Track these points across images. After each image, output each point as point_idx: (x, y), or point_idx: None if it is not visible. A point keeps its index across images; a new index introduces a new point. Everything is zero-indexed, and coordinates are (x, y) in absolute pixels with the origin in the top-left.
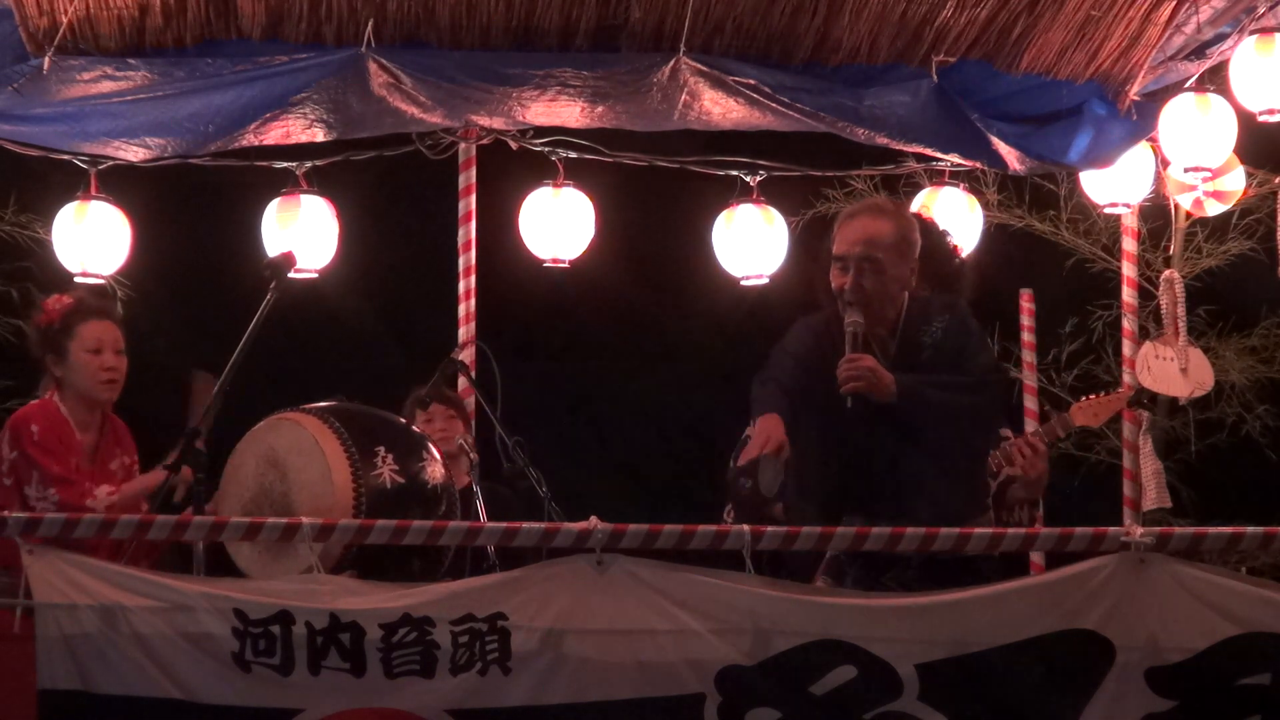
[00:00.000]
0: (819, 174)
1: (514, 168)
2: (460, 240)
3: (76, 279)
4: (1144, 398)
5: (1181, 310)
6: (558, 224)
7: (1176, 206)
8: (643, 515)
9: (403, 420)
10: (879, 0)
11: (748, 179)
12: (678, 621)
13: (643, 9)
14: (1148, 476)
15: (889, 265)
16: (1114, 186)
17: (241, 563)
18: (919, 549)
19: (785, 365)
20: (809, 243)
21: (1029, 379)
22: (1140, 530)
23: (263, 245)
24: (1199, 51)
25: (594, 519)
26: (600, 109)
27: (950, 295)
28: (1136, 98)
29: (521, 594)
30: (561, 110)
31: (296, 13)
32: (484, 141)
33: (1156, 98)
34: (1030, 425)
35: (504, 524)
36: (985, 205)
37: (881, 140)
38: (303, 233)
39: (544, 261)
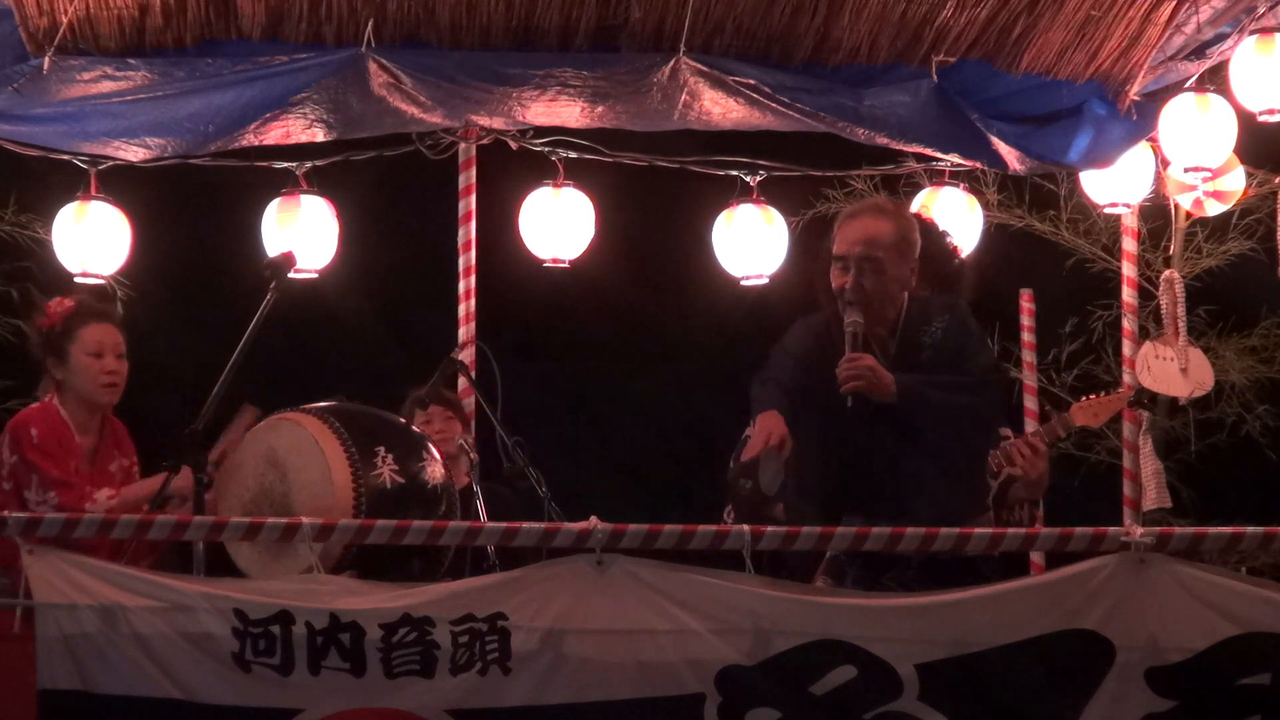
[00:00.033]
0: (819, 174)
1: (514, 168)
2: (460, 240)
3: (76, 279)
4: (1144, 398)
5: (1181, 310)
6: (558, 224)
7: (1176, 206)
8: (643, 515)
9: (403, 420)
10: (879, 0)
11: (748, 179)
12: (678, 621)
13: (643, 9)
14: (1148, 476)
15: (889, 265)
16: (1114, 186)
17: (241, 563)
18: (919, 549)
19: (785, 365)
20: (809, 243)
21: (1029, 379)
22: (1140, 530)
23: (263, 245)
24: (1199, 51)
25: (594, 519)
26: (600, 109)
27: (950, 295)
28: (1136, 98)
29: (521, 594)
30: (561, 110)
31: (296, 13)
32: (484, 141)
33: (1156, 98)
34: (1030, 425)
35: (504, 524)
36: (985, 205)
37: (881, 140)
38: (303, 233)
39: (544, 261)
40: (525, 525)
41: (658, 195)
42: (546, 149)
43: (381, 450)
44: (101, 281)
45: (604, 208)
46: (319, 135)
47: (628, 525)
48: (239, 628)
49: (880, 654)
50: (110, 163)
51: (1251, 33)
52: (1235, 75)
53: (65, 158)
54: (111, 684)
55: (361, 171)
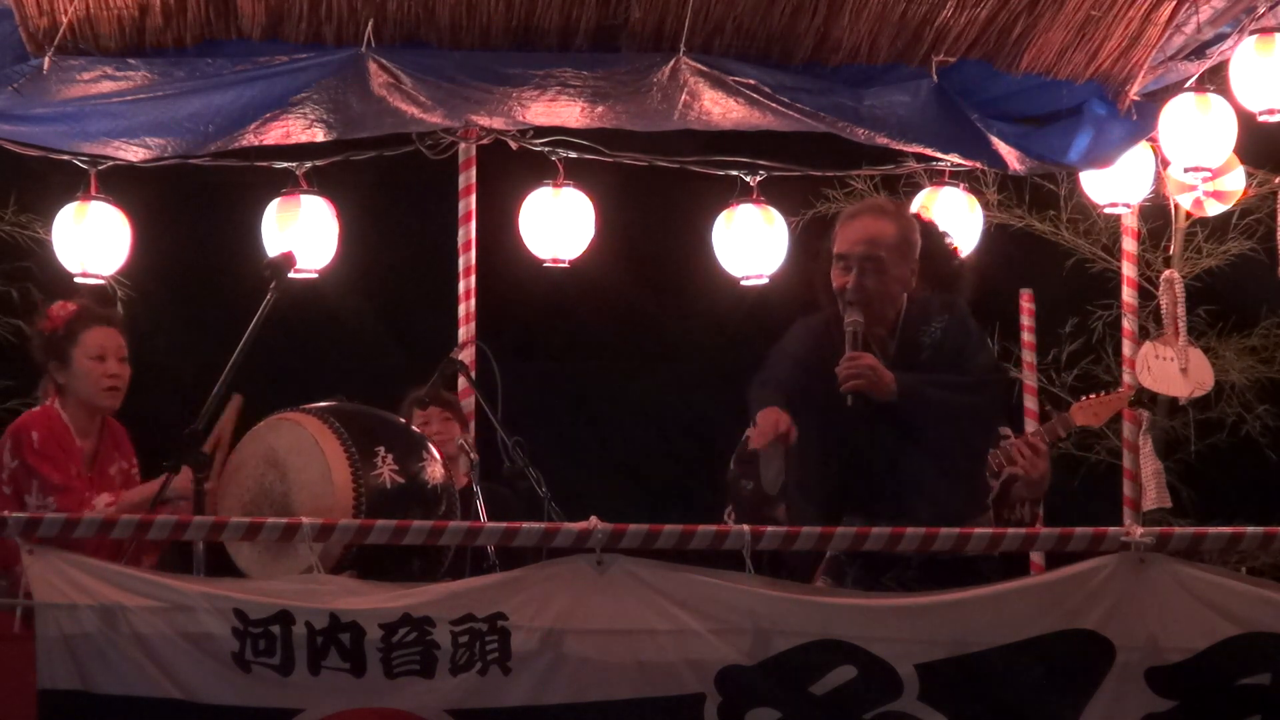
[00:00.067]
0: (819, 174)
1: (514, 168)
2: (460, 240)
3: (76, 279)
4: (1144, 397)
5: (1181, 310)
6: (558, 224)
7: (1176, 206)
8: (643, 515)
9: (402, 420)
10: (879, 0)
11: (748, 179)
12: (678, 621)
13: (643, 9)
14: (1148, 476)
15: (891, 265)
16: (1114, 186)
17: (241, 563)
18: (919, 549)
19: (783, 367)
20: (809, 243)
21: (1029, 379)
22: (1140, 530)
23: (263, 245)
24: (1199, 51)
25: (594, 519)
26: (600, 109)
27: (949, 295)
28: (1136, 98)
29: (521, 594)
30: (561, 110)
31: (296, 13)
32: (484, 141)
33: (1156, 98)
34: (1030, 425)
35: (504, 524)
36: (985, 205)
37: (881, 140)
38: (303, 233)
39: (544, 261)
40: (525, 525)
41: (658, 195)
42: (546, 149)
43: (381, 450)
44: (101, 282)
45: (604, 208)
46: (319, 135)
47: (628, 525)
48: (239, 628)
49: (880, 654)
50: (110, 163)
51: (1251, 33)
52: (1235, 75)
53: (65, 158)
54: (111, 684)
55: (361, 171)
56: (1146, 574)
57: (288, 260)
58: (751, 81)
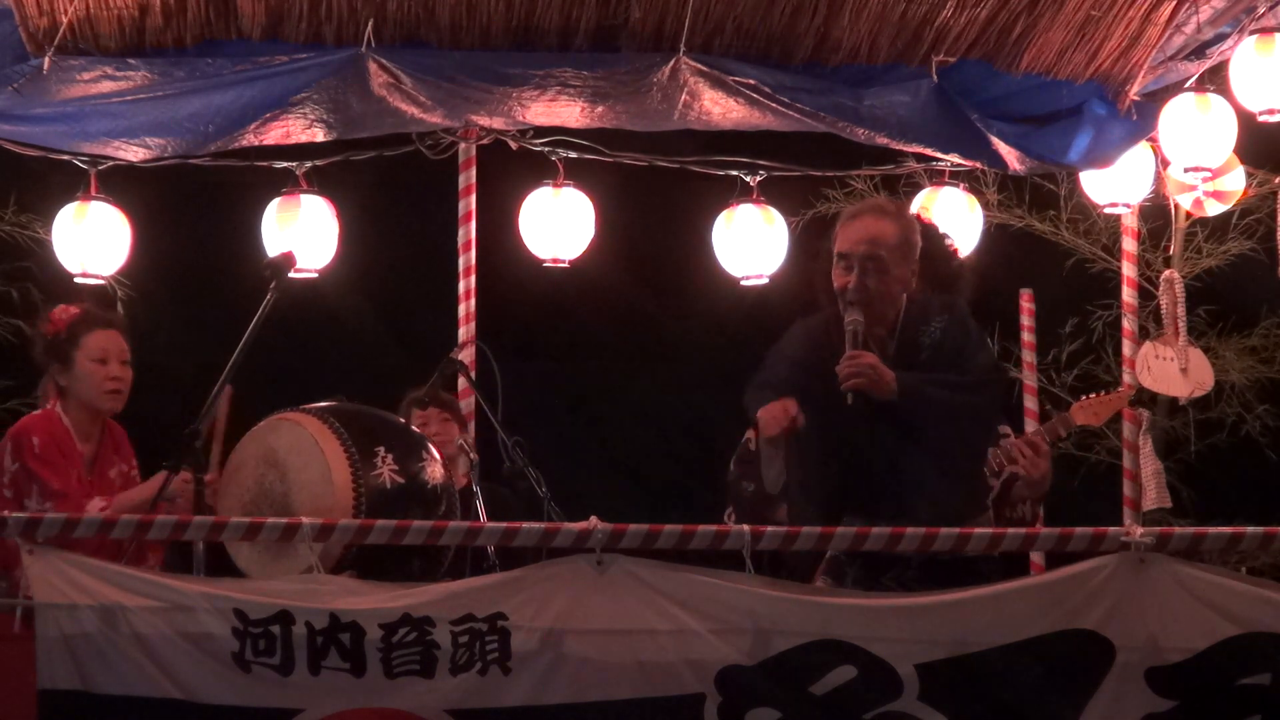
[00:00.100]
0: (819, 174)
1: (514, 168)
2: (460, 240)
3: (76, 279)
4: (1144, 396)
5: (1181, 310)
6: (558, 224)
7: (1176, 206)
8: (643, 515)
9: (402, 420)
10: (879, 0)
11: (748, 179)
12: (678, 621)
13: (643, 9)
14: (1148, 476)
15: (892, 265)
16: (1114, 186)
17: (241, 563)
18: (919, 549)
19: (781, 369)
20: (809, 243)
21: (1029, 379)
22: (1140, 530)
23: (263, 245)
24: (1199, 51)
25: (594, 519)
26: (600, 109)
27: (949, 296)
28: (1136, 98)
29: (521, 594)
30: (561, 110)
31: (296, 13)
32: (484, 141)
33: (1156, 98)
34: (1030, 425)
35: (504, 524)
36: (985, 205)
37: (881, 140)
38: (303, 233)
39: (544, 261)
40: (525, 525)
41: (658, 195)
42: (546, 149)
43: (381, 450)
44: (101, 282)
45: (604, 208)
46: (319, 135)
47: (628, 525)
48: (239, 628)
49: (880, 654)
50: (110, 163)
51: (1251, 33)
52: (1235, 75)
53: (65, 158)
54: (111, 684)
55: (361, 171)
56: (1146, 574)
57: (288, 260)
58: (751, 81)
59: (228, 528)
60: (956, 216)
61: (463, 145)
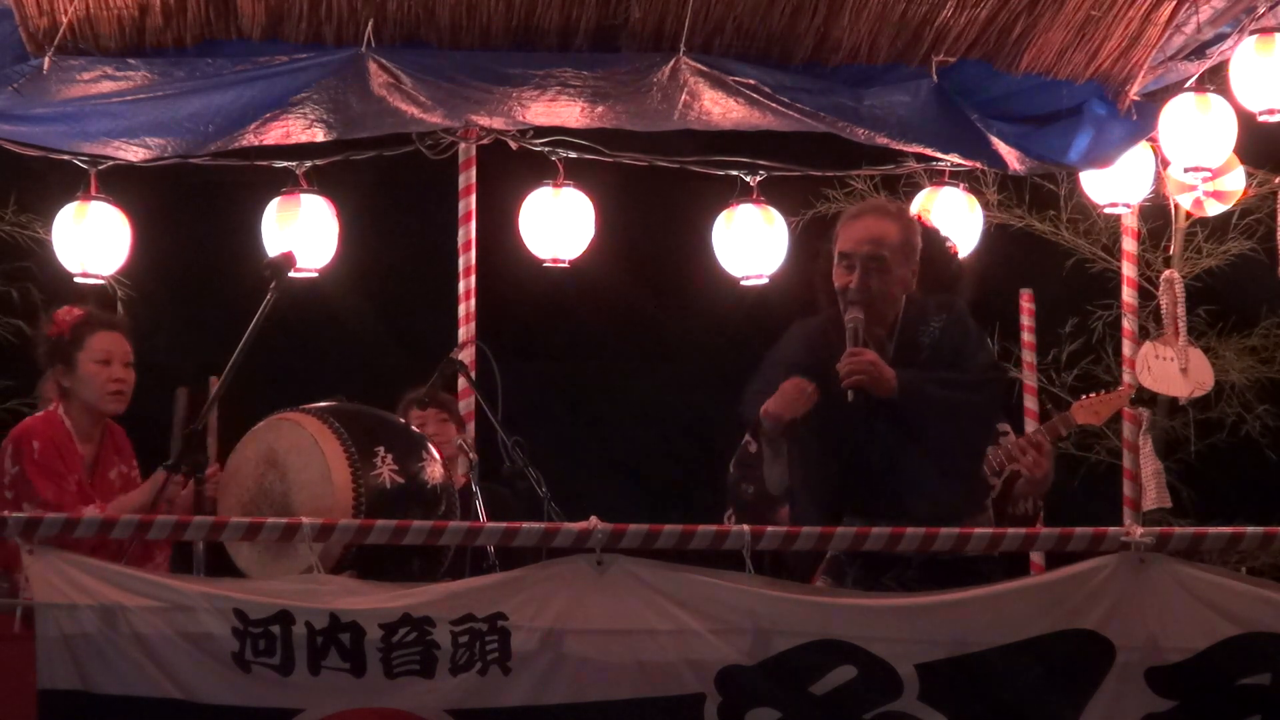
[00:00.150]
0: (819, 174)
1: (514, 168)
2: (460, 240)
3: (76, 279)
4: (1144, 396)
5: (1181, 310)
6: (558, 224)
7: (1176, 206)
8: (643, 515)
9: (402, 420)
10: (879, 0)
11: (748, 179)
12: (678, 621)
13: (643, 9)
14: (1148, 476)
15: (893, 265)
16: (1114, 186)
17: (241, 563)
18: (919, 549)
19: (775, 378)
20: (809, 243)
21: (1029, 379)
22: (1140, 530)
23: (263, 245)
24: (1199, 51)
25: (594, 519)
26: (600, 109)
27: (947, 295)
28: (1136, 98)
29: (521, 594)
30: (561, 110)
31: (296, 13)
32: (484, 141)
33: (1156, 98)
34: (1030, 425)
35: (504, 524)
36: (985, 205)
37: (881, 140)
38: (303, 233)
39: (544, 261)
40: (525, 525)
41: (658, 195)
42: (546, 149)
43: (381, 450)
44: (101, 281)
45: (604, 208)
46: (319, 135)
47: (628, 525)
48: (239, 628)
49: (880, 654)
50: (110, 163)
51: (1251, 33)
52: (1235, 75)
53: (65, 158)
54: (111, 684)
55: (361, 171)
56: (1146, 574)
57: (288, 260)
58: (751, 81)
59: (228, 528)
60: (956, 216)
61: (463, 145)
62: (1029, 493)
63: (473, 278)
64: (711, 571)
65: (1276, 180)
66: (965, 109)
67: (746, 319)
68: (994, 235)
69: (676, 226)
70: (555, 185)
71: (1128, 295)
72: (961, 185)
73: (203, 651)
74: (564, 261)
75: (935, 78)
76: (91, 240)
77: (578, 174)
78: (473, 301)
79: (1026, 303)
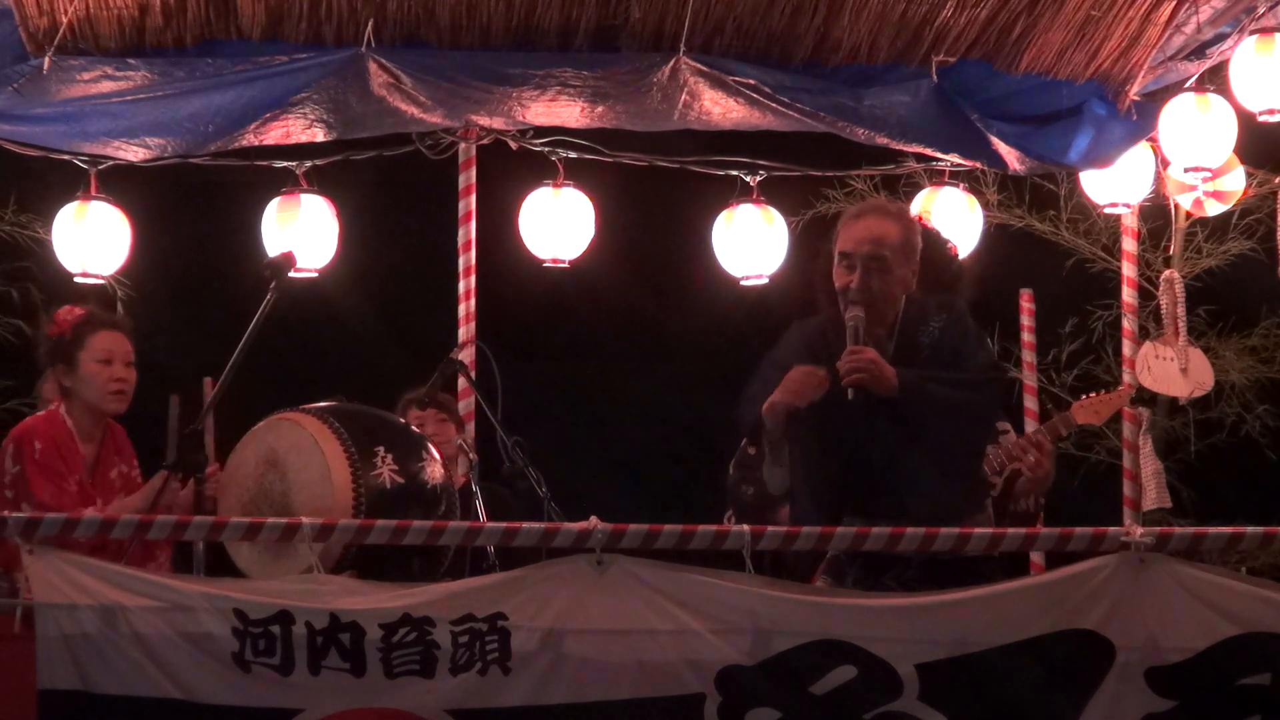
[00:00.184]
0: (819, 174)
1: (514, 168)
2: (460, 240)
3: (76, 279)
4: (1144, 395)
5: (1181, 310)
6: (558, 224)
7: (1176, 206)
8: (643, 515)
9: (402, 420)
10: (879, 0)
11: (748, 179)
12: (678, 621)
13: (643, 9)
14: (1148, 476)
15: (894, 265)
16: (1114, 186)
17: (241, 563)
18: (919, 549)
19: (775, 379)
20: (809, 243)
21: (1029, 379)
22: (1140, 530)
23: (263, 245)
24: (1199, 51)
25: (594, 519)
26: (600, 109)
27: (947, 295)
28: (1136, 98)
29: (521, 594)
30: (561, 110)
31: (296, 13)
32: (484, 141)
33: (1156, 98)
34: (1030, 425)
35: (504, 524)
36: (985, 205)
37: (881, 140)
38: (303, 232)
39: (544, 261)
40: (525, 525)
41: (658, 195)
42: (546, 149)
43: (381, 450)
44: (101, 281)
45: (604, 208)
46: (319, 135)
47: (628, 525)
48: (239, 628)
49: (880, 654)
50: (110, 163)
51: (1251, 33)
52: (1235, 75)
53: (65, 158)
54: (111, 684)
55: (361, 171)
56: (1146, 574)
57: (288, 260)
58: (751, 81)
59: (228, 528)
60: (956, 216)
61: (463, 145)
62: (1030, 491)
63: (473, 278)
64: (711, 571)
65: (1276, 180)
66: (965, 109)
67: (746, 319)
68: (994, 235)
69: (676, 226)
70: (555, 185)
71: (1128, 295)
72: (961, 185)
73: (203, 651)
74: (564, 261)
75: (935, 78)
76: (91, 240)
77: (578, 174)
78: (473, 301)
79: (1026, 303)
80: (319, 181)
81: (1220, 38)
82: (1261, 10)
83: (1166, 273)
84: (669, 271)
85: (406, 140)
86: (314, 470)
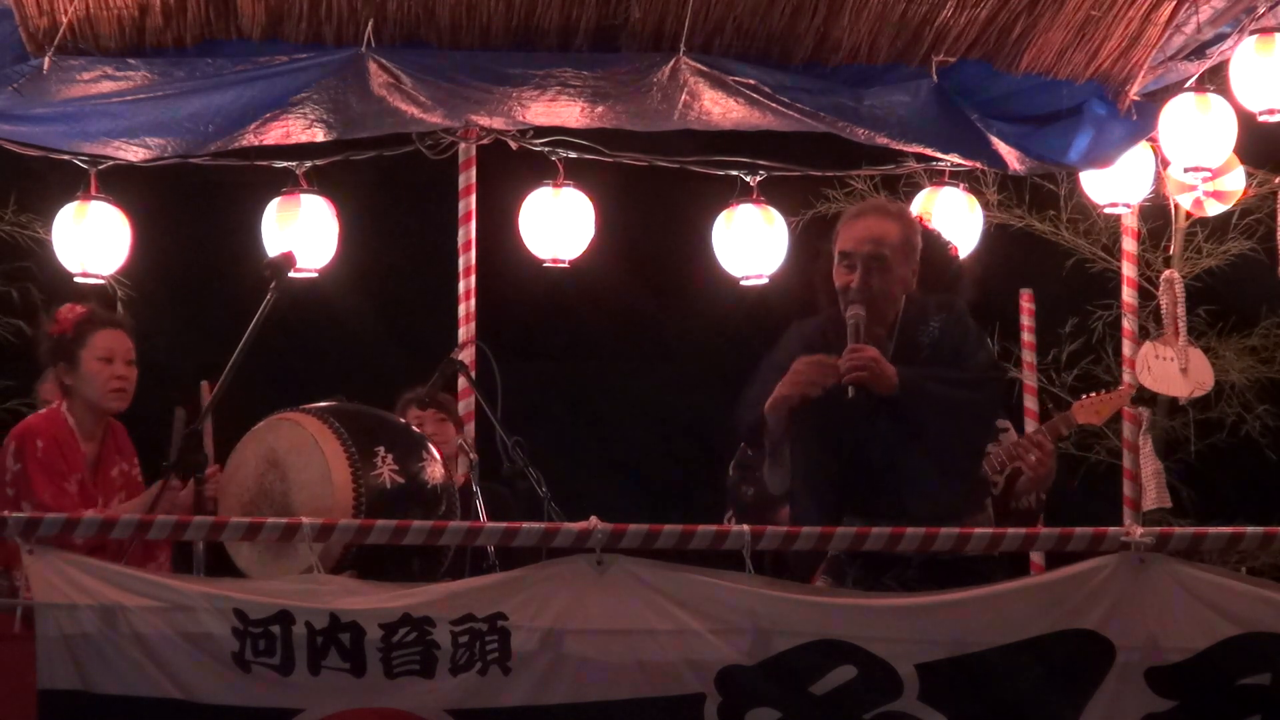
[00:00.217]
0: (819, 174)
1: (514, 168)
2: (460, 240)
3: (76, 279)
4: (1144, 395)
5: (1181, 310)
6: (558, 224)
7: (1176, 206)
8: (643, 515)
9: (403, 420)
10: (879, 0)
11: (748, 179)
12: (678, 621)
13: (643, 9)
14: (1148, 476)
15: (894, 265)
16: (1114, 186)
17: (241, 563)
18: (919, 549)
19: (773, 383)
20: (809, 243)
21: (1029, 379)
22: (1140, 530)
23: (263, 245)
24: (1199, 51)
25: (594, 519)
26: (600, 109)
27: (947, 295)
28: (1136, 98)
29: (521, 594)
30: (561, 110)
31: (296, 13)
32: (484, 141)
33: (1156, 98)
34: (1030, 425)
35: (504, 524)
36: (985, 205)
37: (881, 140)
38: (303, 233)
39: (544, 261)
40: (525, 525)
41: (658, 195)
42: (546, 149)
43: (381, 450)
44: (101, 281)
45: (604, 208)
46: (319, 135)
47: (628, 525)
48: (239, 628)
49: (880, 654)
50: (110, 163)
51: (1251, 33)
52: (1235, 75)
53: (65, 158)
54: (111, 684)
55: (361, 171)
56: (1146, 574)
57: (288, 260)
58: (751, 81)
59: (228, 528)
60: (956, 216)
61: (463, 145)
62: (1031, 489)
63: (473, 278)
64: (711, 571)
65: (1276, 180)
66: (965, 109)
67: (746, 319)
68: (994, 235)
69: (676, 226)
70: (555, 185)
71: (1128, 295)
72: (961, 185)
73: (203, 651)
74: (564, 261)
75: (935, 78)
76: (91, 240)
77: (578, 174)
78: (473, 301)
79: (1026, 303)
80: (319, 181)
81: (1220, 38)
82: (1261, 10)
83: (1166, 273)
84: (669, 271)
85: (406, 140)
86: (314, 470)
